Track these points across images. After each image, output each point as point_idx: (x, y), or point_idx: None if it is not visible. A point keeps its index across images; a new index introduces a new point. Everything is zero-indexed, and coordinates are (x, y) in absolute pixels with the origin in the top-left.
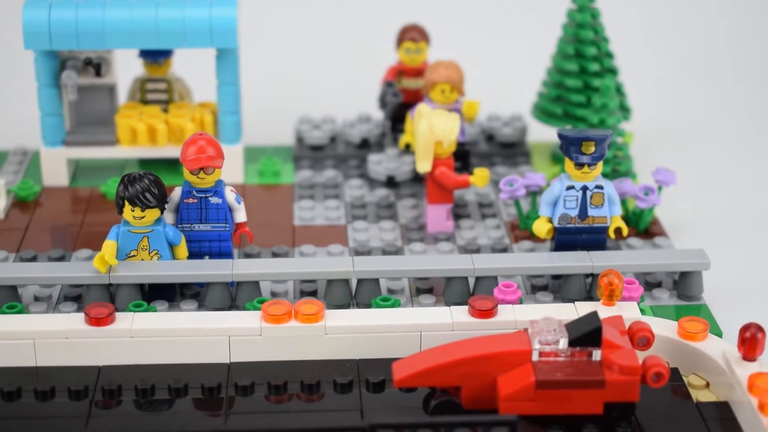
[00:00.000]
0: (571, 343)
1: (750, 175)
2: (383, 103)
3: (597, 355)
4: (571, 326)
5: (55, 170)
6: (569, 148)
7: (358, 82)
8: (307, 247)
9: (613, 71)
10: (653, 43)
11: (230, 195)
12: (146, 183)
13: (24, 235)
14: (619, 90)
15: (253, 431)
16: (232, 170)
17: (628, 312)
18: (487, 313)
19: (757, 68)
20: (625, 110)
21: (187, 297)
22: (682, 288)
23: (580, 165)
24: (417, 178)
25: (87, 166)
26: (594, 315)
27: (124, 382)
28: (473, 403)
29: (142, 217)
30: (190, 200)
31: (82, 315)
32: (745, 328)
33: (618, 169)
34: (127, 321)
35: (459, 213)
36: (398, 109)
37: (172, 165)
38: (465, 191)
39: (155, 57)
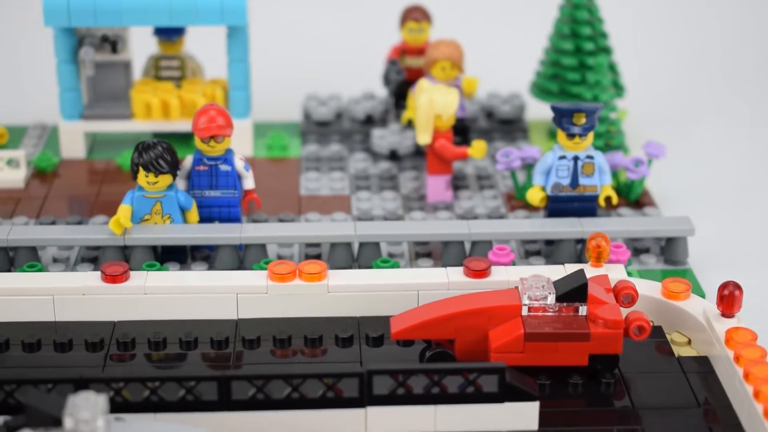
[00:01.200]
0: (559, 299)
1: (737, 150)
2: (387, 80)
3: (583, 310)
4: (558, 283)
5: (72, 143)
6: (561, 119)
7: (363, 60)
8: (312, 215)
9: (606, 50)
10: (647, 23)
11: (239, 163)
12: (160, 150)
13: (43, 203)
14: (612, 68)
15: (258, 375)
16: (241, 144)
17: (615, 273)
18: (481, 273)
19: (748, 49)
20: (618, 88)
21: (197, 259)
22: (668, 253)
23: (571, 136)
24: (418, 152)
25: (103, 139)
26: (580, 272)
27: (138, 336)
28: (466, 356)
29: (156, 183)
30: (201, 167)
31: (98, 273)
32: (724, 286)
33: (610, 143)
34: (141, 279)
35: (458, 184)
36: (401, 86)
37: (185, 138)
38: (464, 164)
39: (169, 35)
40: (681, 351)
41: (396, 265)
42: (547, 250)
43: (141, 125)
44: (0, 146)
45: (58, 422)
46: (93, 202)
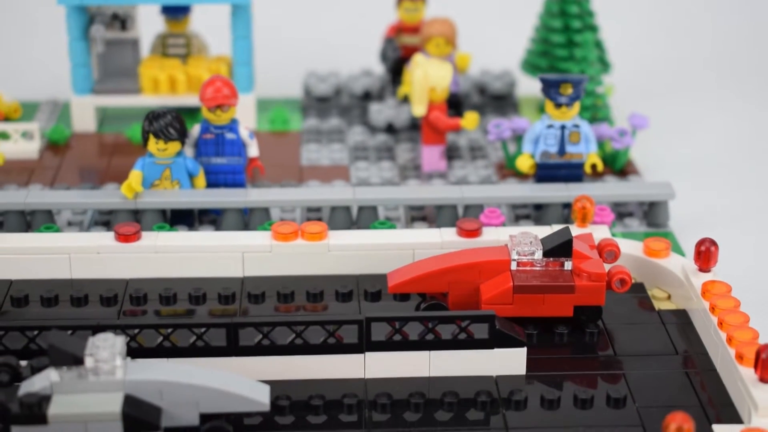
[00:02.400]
0: (546, 254)
1: (719, 123)
2: (384, 57)
3: (568, 264)
4: (545, 239)
5: (84, 117)
6: (549, 90)
7: (361, 38)
8: (312, 182)
9: (593, 28)
10: (633, 2)
11: (244, 131)
12: (169, 118)
13: (56, 173)
14: (599, 45)
15: (264, 323)
16: (245, 118)
17: (599, 233)
18: (473, 233)
19: (730, 30)
20: (604, 64)
21: (204, 223)
22: (650, 217)
23: (558, 105)
24: (414, 126)
25: (113, 113)
26: (566, 229)
27: (149, 292)
28: (459, 308)
29: (165, 150)
30: (208, 136)
31: (111, 233)
32: (701, 243)
33: (597, 116)
34: (152, 239)
35: (451, 155)
36: (398, 63)
37: (191, 112)
38: (457, 136)
39: (175, 14)
40: (661, 305)
41: (392, 227)
42: (536, 214)
43: (149, 100)
44: (14, 120)
45: (79, 361)
46: (104, 172)
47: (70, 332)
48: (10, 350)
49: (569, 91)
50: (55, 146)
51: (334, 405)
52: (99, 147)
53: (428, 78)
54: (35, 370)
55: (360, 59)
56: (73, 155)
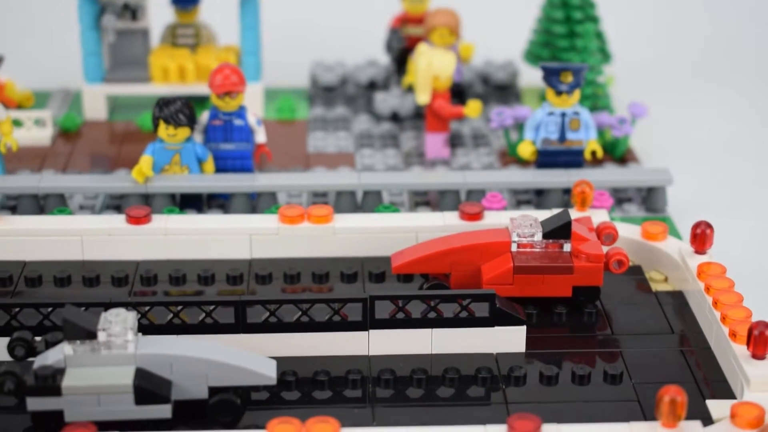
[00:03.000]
0: (545, 236)
1: (717, 111)
2: (389, 47)
3: (567, 246)
4: (545, 222)
5: (95, 105)
6: (550, 77)
7: (367, 29)
8: (319, 169)
9: (594, 19)
10: None
11: (251, 118)
12: (179, 105)
13: (68, 159)
14: (599, 36)
15: (271, 300)
16: (253, 106)
17: (598, 217)
18: (475, 216)
19: (727, 21)
20: (605, 54)
21: (212, 207)
22: (649, 202)
23: (559, 93)
24: (418, 115)
25: (123, 102)
26: (565, 212)
27: (159, 273)
28: (460, 288)
29: (175, 135)
30: (217, 122)
31: (123, 216)
32: (696, 226)
33: (597, 105)
34: (163, 221)
35: (454, 143)
36: (402, 53)
37: (200, 101)
38: (460, 124)
39: (185, 4)
40: (658, 287)
41: (396, 211)
42: (537, 200)
43: (159, 88)
44: (27, 108)
45: (92, 335)
46: (114, 159)
47: (84, 309)
48: (25, 326)
49: (569, 79)
50: (66, 134)
51: (339, 381)
52: (110, 135)
53: (432, 67)
54: (49, 345)
55: (365, 50)
56: (84, 142)
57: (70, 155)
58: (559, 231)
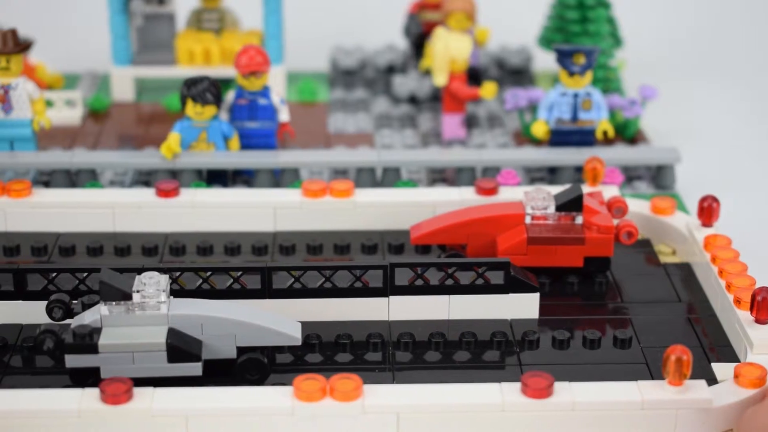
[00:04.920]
0: (558, 209)
1: (726, 94)
2: (407, 32)
3: (579, 218)
4: (558, 195)
5: (123, 87)
6: (563, 59)
7: (385, 15)
8: (339, 147)
9: (605, 5)
10: None
11: (275, 97)
12: (206, 84)
13: (98, 138)
14: (611, 21)
15: (296, 267)
16: (275, 89)
17: (609, 192)
18: (490, 191)
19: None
20: (616, 39)
21: (238, 183)
22: (658, 179)
23: (572, 73)
24: (435, 97)
25: (149, 85)
26: (577, 186)
27: (188, 244)
28: None
29: (202, 113)
30: (242, 101)
31: (152, 189)
32: (704, 199)
33: (608, 88)
34: (191, 195)
35: (470, 124)
36: (420, 37)
37: (225, 83)
38: (475, 107)
39: None
40: (666, 259)
41: (415, 186)
42: (550, 177)
43: (185, 71)
44: (56, 90)
45: (127, 297)
46: (142, 139)
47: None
48: (62, 290)
49: (582, 60)
50: (95, 114)
51: (361, 344)
52: (137, 115)
53: (449, 50)
54: (86, 307)
55: (384, 34)
56: (112, 123)
57: (100, 134)
58: (572, 204)
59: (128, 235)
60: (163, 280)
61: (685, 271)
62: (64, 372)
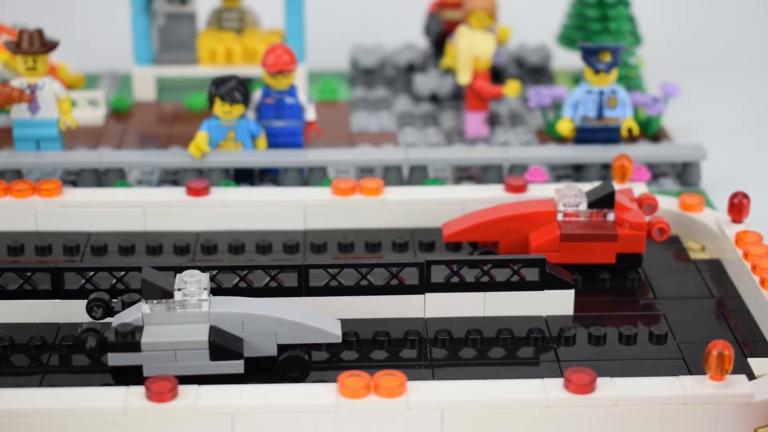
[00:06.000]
0: (590, 206)
1: (747, 92)
2: (428, 31)
3: (611, 215)
4: (589, 192)
5: (144, 87)
6: (589, 57)
7: (405, 14)
8: (364, 146)
9: (625, 3)
10: None
11: (302, 96)
12: (234, 83)
13: (122, 137)
14: (630, 19)
15: (333, 264)
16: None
17: (637, 189)
18: (519, 188)
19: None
20: (636, 37)
21: (265, 181)
22: (684, 176)
23: (597, 71)
24: (456, 96)
25: (170, 84)
26: (608, 183)
27: (219, 243)
28: None
29: (230, 112)
30: (269, 100)
31: (183, 188)
32: (734, 196)
33: (630, 86)
34: (221, 193)
35: (493, 122)
36: (440, 36)
37: (247, 82)
38: (497, 105)
39: None
40: (696, 256)
41: (443, 184)
42: (576, 175)
43: (206, 70)
44: (78, 90)
45: (169, 295)
46: (165, 138)
47: None
48: (99, 289)
49: (607, 58)
50: (118, 114)
51: (398, 341)
52: (159, 115)
53: (473, 48)
54: (126, 305)
55: (403, 33)
56: (135, 122)
57: (123, 134)
58: (603, 200)
59: (160, 234)
60: (204, 278)
61: (715, 267)
62: (102, 370)
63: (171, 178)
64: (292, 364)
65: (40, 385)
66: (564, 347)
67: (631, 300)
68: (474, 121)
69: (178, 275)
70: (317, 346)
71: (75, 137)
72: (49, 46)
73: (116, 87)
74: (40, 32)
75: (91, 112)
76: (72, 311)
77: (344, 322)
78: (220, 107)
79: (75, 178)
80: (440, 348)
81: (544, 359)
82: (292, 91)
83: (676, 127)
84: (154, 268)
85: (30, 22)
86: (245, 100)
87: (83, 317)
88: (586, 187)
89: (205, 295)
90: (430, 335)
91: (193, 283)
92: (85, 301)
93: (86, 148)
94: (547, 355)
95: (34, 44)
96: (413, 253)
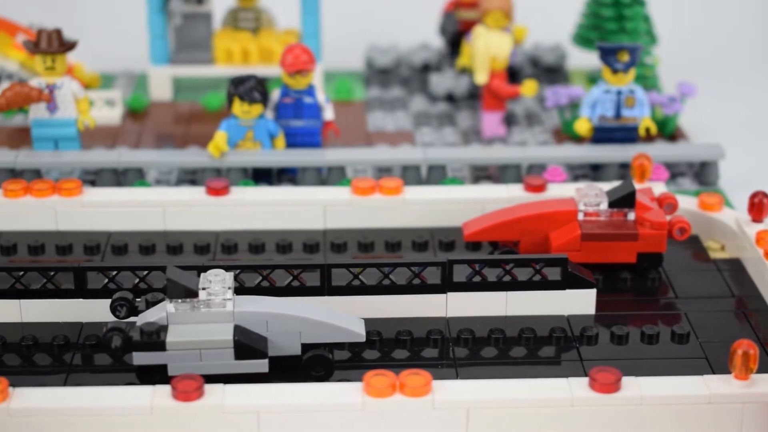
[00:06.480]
0: (611, 205)
1: (759, 94)
2: (443, 31)
3: (631, 215)
4: (610, 191)
5: (161, 86)
6: (607, 56)
7: (420, 13)
8: (381, 145)
9: (640, 2)
10: None
11: (320, 96)
12: (253, 83)
13: (139, 137)
14: (646, 19)
15: (355, 264)
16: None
17: (657, 189)
18: (539, 188)
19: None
20: (651, 36)
21: (283, 181)
22: (701, 176)
23: (615, 71)
24: (472, 95)
25: (185, 84)
26: (629, 182)
27: (239, 242)
28: None
29: (249, 112)
30: (287, 100)
31: (203, 188)
32: (754, 195)
33: (646, 85)
34: (241, 193)
35: (509, 122)
36: (456, 36)
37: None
38: (513, 105)
39: None
40: (715, 255)
41: (462, 184)
42: (593, 174)
43: (223, 70)
44: (94, 90)
45: (193, 294)
46: (182, 138)
47: None
48: (122, 288)
49: (626, 58)
50: (134, 114)
51: (420, 340)
52: (175, 115)
53: (490, 48)
54: (150, 305)
55: (418, 33)
56: (152, 122)
57: (140, 134)
58: (624, 200)
59: (180, 234)
60: (229, 277)
61: (735, 266)
62: (124, 370)
63: (189, 177)
64: (316, 363)
65: (65, 384)
66: (586, 346)
67: (651, 299)
68: (491, 121)
69: (202, 274)
70: (339, 345)
71: (92, 137)
72: (67, 46)
73: (132, 87)
74: (58, 32)
75: (107, 111)
76: (95, 310)
77: (366, 322)
78: (239, 107)
79: (93, 177)
80: (462, 347)
81: (566, 358)
82: (310, 90)
83: (691, 126)
84: (179, 268)
85: (45, 22)
86: (264, 100)
87: (106, 316)
88: (606, 186)
89: (229, 294)
90: (453, 334)
91: (217, 283)
92: (107, 301)
93: (104, 148)
94: (569, 355)
95: (53, 44)
96: (433, 252)
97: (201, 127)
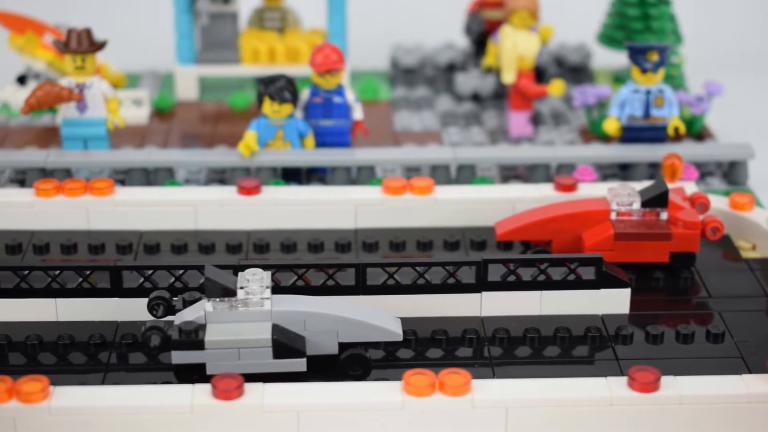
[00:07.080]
0: (643, 205)
1: None
2: (469, 30)
3: (664, 214)
4: (642, 191)
5: (187, 86)
6: (636, 56)
7: (444, 13)
8: (409, 145)
9: (666, 2)
10: None
11: (350, 95)
12: (283, 82)
13: (166, 137)
14: (672, 18)
15: (390, 263)
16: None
17: (688, 188)
18: (569, 187)
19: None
20: (677, 36)
21: (312, 180)
22: (731, 175)
23: (644, 71)
24: (498, 95)
25: (211, 84)
26: (661, 181)
27: (271, 242)
28: None
29: (279, 111)
30: (317, 99)
31: (234, 187)
32: None
33: (672, 84)
34: (272, 192)
35: (535, 122)
36: (481, 36)
37: None
38: (540, 105)
39: None
40: (747, 255)
41: (492, 183)
42: (622, 174)
43: (249, 70)
44: (120, 89)
45: (231, 293)
46: (209, 137)
47: None
48: (157, 287)
49: (655, 57)
50: (161, 113)
51: (456, 340)
52: (202, 114)
53: (517, 47)
54: (187, 304)
55: (444, 33)
56: (179, 121)
57: (168, 133)
58: (657, 200)
59: (211, 233)
60: (266, 276)
61: (767, 266)
62: (161, 368)
63: (218, 177)
64: (353, 362)
65: (103, 383)
66: (621, 345)
67: (684, 299)
68: (518, 121)
69: (240, 273)
70: (374, 344)
71: (119, 136)
72: (97, 46)
73: (157, 86)
74: (88, 32)
75: (135, 111)
76: (130, 309)
77: (401, 321)
78: (269, 106)
79: (123, 177)
80: (497, 346)
81: (601, 358)
82: (339, 90)
83: (717, 125)
84: (217, 266)
85: (72, 22)
86: (294, 100)
87: (141, 315)
88: (637, 186)
89: (267, 293)
90: (488, 333)
91: (255, 282)
92: (143, 300)
93: (132, 148)
94: (603, 354)
95: (83, 44)
96: (465, 251)
97: (228, 126)
